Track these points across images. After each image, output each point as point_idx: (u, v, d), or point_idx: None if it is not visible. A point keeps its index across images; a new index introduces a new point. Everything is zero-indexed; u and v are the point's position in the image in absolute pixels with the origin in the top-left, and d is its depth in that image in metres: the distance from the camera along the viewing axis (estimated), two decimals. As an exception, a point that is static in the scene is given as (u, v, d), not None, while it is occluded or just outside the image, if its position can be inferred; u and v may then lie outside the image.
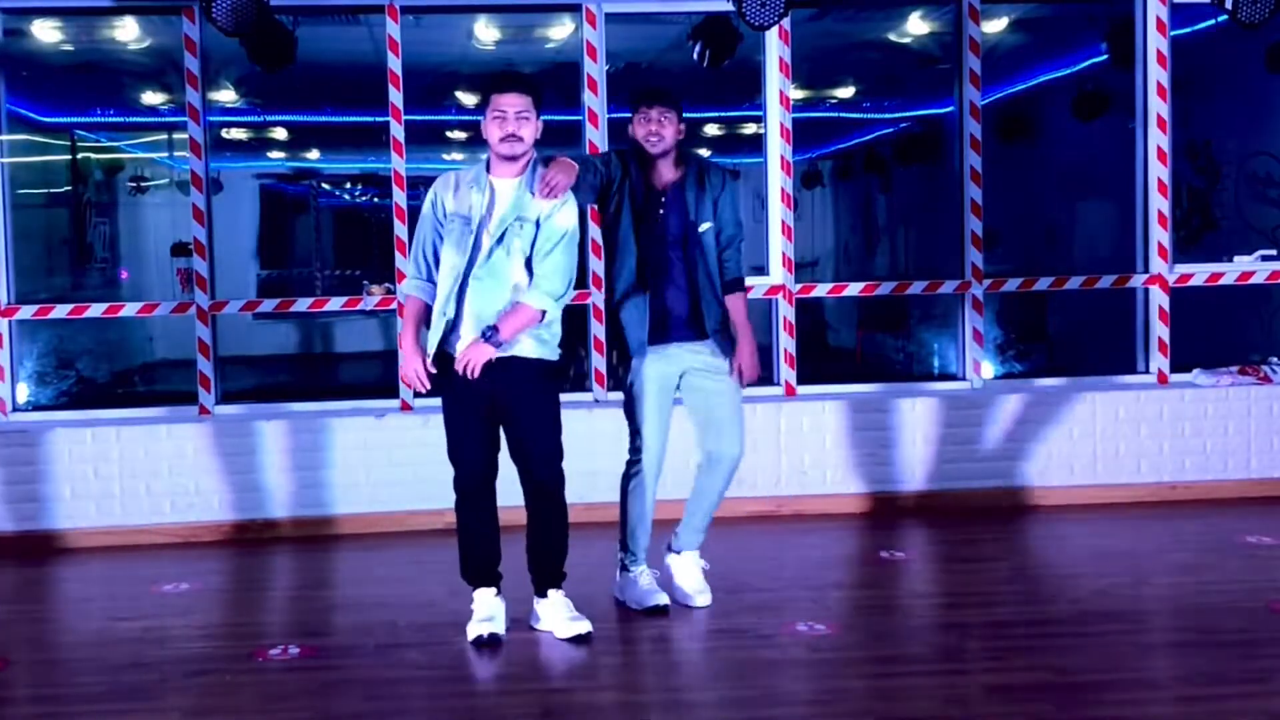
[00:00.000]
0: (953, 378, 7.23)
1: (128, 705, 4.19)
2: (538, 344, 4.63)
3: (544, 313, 4.57)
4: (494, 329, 4.52)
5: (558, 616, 4.71)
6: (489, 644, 4.62)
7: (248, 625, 5.08)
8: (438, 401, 6.91)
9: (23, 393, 6.93)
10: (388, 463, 6.58)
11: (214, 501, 6.50)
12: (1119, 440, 6.86)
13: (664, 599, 5.00)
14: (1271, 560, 5.70)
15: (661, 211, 4.91)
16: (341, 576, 5.92)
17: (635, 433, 5.05)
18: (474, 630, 4.67)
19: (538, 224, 4.57)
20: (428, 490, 6.49)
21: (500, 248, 4.55)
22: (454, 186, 4.66)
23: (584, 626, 4.68)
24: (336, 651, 4.66)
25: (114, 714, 4.13)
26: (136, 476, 6.45)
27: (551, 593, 4.76)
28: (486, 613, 4.70)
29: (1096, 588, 5.37)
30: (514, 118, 4.52)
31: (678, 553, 5.14)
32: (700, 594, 5.05)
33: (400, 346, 4.58)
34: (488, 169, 4.64)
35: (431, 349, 4.63)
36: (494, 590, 4.76)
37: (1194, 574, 5.72)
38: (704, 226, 4.93)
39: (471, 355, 4.51)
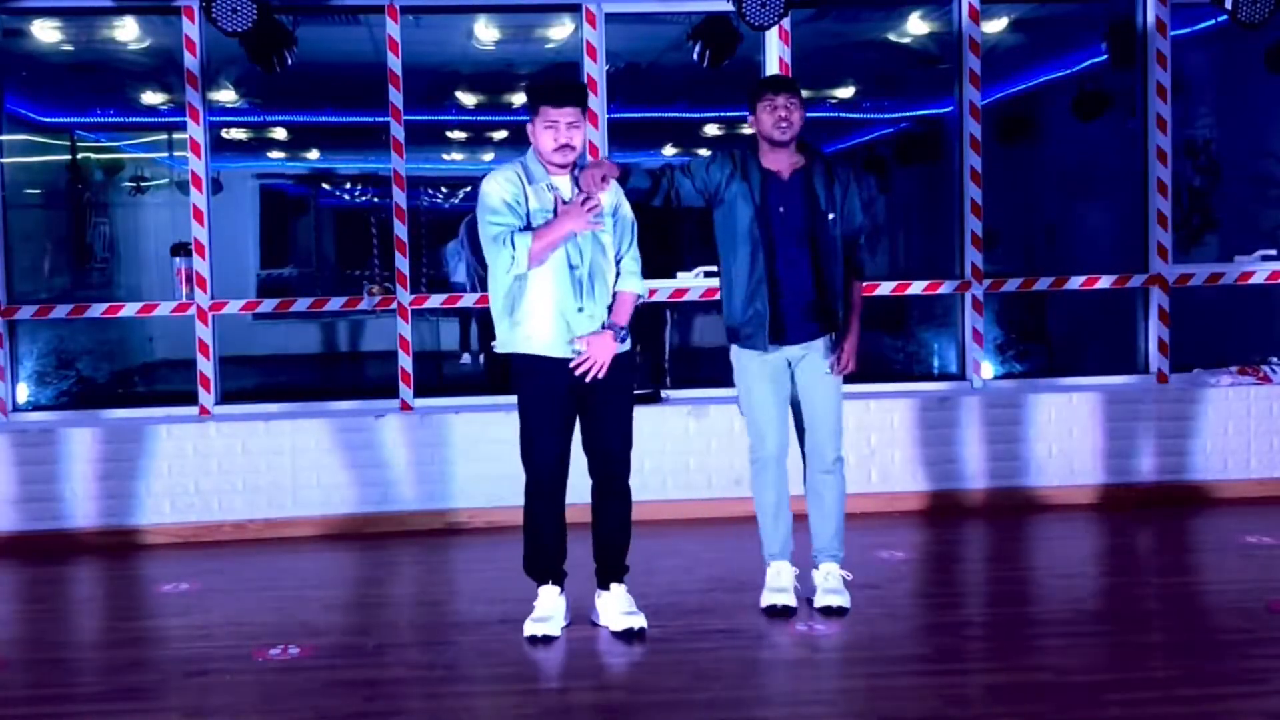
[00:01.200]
0: (952, 377, 7.24)
1: (128, 705, 4.19)
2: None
3: (640, 295, 4.80)
4: (615, 324, 4.66)
5: (614, 610, 4.75)
6: (543, 643, 4.63)
7: (247, 625, 5.08)
8: (437, 402, 6.97)
9: (23, 393, 6.94)
10: (387, 463, 6.59)
11: (214, 501, 6.50)
12: (1119, 440, 6.85)
13: (784, 599, 4.94)
14: (1271, 560, 5.69)
15: (782, 209, 4.88)
16: (341, 576, 5.92)
17: (751, 426, 5.04)
18: (530, 628, 4.67)
19: (614, 216, 4.72)
20: (427, 490, 6.51)
21: (598, 247, 4.66)
22: (522, 183, 4.64)
23: (638, 621, 4.70)
24: (336, 651, 4.66)
25: (114, 714, 4.13)
26: (136, 476, 6.46)
27: (614, 586, 4.80)
28: (546, 611, 4.70)
29: (1096, 588, 5.37)
30: (565, 127, 4.59)
31: (816, 566, 5.09)
32: (830, 595, 4.96)
33: (554, 231, 4.52)
34: (545, 170, 4.66)
35: (546, 348, 4.61)
36: (558, 589, 4.76)
37: (1194, 574, 5.73)
38: (832, 216, 4.92)
39: (599, 355, 4.60)
